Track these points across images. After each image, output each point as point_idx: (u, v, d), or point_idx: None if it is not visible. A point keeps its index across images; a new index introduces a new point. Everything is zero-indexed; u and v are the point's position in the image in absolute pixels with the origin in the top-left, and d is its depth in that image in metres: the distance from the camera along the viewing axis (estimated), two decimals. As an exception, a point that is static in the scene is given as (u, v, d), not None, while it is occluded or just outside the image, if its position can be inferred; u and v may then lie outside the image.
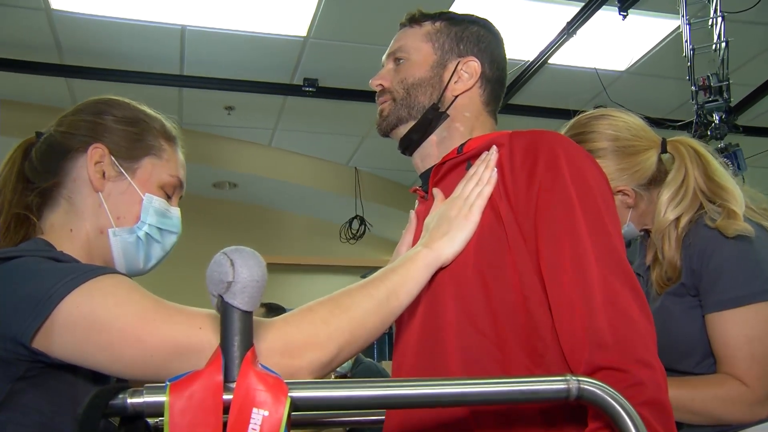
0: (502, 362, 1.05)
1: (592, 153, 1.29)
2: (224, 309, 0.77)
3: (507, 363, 1.04)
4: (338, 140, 5.63)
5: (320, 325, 0.98)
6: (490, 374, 1.04)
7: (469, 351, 1.07)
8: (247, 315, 0.78)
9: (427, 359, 1.12)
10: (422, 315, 1.15)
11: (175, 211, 1.23)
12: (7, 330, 0.95)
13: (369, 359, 4.25)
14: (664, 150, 1.54)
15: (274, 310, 3.48)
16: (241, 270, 0.76)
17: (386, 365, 4.37)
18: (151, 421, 1.10)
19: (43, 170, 1.17)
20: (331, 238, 5.95)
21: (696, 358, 1.42)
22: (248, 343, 0.77)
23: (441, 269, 1.12)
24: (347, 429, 2.13)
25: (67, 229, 1.15)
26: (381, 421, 1.60)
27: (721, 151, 2.80)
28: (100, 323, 0.95)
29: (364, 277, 1.08)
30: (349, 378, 4.04)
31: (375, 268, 1.22)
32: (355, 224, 5.73)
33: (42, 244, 1.12)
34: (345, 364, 3.98)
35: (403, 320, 1.19)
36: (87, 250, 1.16)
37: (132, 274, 1.20)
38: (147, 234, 1.18)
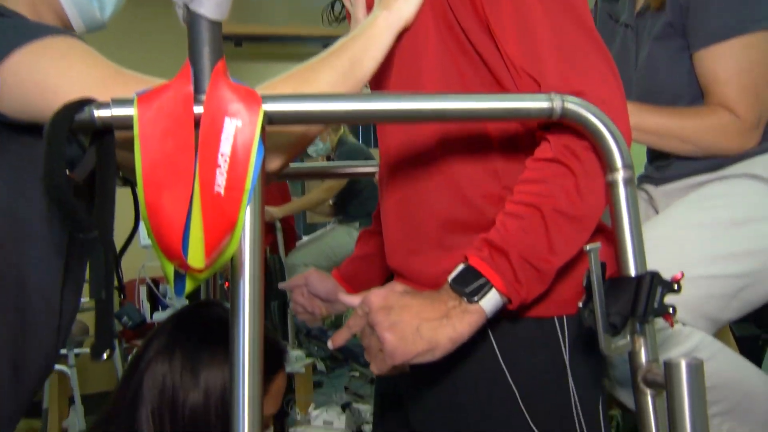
0: None
1: None
2: (191, 19, 0.73)
3: None
4: None
5: None
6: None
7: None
8: (216, 25, 0.73)
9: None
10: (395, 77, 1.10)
11: None
12: None
13: (353, 140, 4.25)
14: None
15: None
16: (208, -27, 0.71)
17: (374, 153, 4.39)
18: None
19: None
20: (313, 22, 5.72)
21: (683, 103, 1.41)
22: (218, 54, 0.73)
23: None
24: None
25: None
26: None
27: None
28: (53, 87, 0.90)
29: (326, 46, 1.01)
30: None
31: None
32: (337, 7, 5.50)
33: None
34: (326, 145, 3.99)
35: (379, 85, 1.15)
36: (32, 3, 1.07)
37: (90, 28, 1.13)
38: None
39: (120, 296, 1.20)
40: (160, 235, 0.67)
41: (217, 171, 0.69)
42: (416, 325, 0.89)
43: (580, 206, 0.91)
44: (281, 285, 1.54)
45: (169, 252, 0.66)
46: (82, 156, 0.72)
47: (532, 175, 0.94)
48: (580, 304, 0.83)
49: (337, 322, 3.90)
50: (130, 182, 1.09)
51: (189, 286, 0.69)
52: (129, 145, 0.70)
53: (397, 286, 0.94)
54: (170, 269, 0.68)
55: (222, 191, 0.68)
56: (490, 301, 0.91)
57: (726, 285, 1.25)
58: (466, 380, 1.02)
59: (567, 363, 1.01)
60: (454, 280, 0.92)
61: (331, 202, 4.22)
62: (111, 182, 0.71)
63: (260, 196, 0.71)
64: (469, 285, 0.90)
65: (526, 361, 1.02)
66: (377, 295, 0.92)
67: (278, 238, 3.94)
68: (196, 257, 0.66)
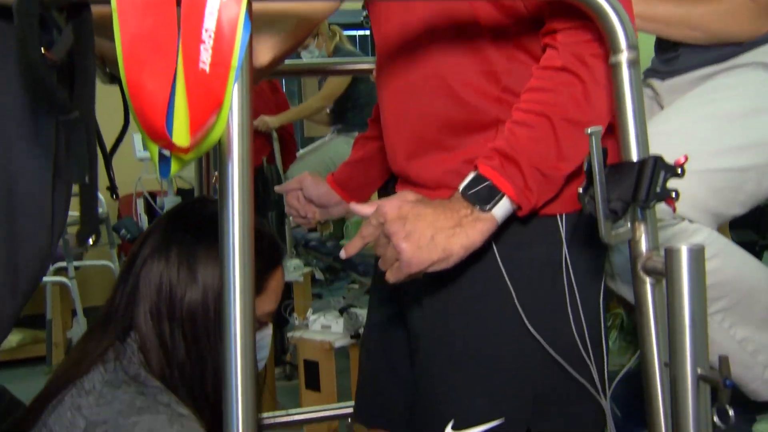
0: None
1: None
2: None
3: None
4: None
5: None
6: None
7: None
8: None
9: None
10: None
11: None
12: None
13: (350, 47, 4.14)
14: None
15: None
16: None
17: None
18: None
19: None
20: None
21: None
22: None
23: None
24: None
25: None
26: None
27: None
28: None
29: None
30: None
31: None
32: None
33: None
34: (321, 53, 3.89)
35: None
36: None
37: None
38: None
39: (112, 196, 1.18)
40: (143, 115, 0.64)
41: (202, 47, 0.65)
42: (431, 234, 0.90)
43: (588, 113, 0.91)
44: (277, 188, 1.53)
45: (153, 131, 0.63)
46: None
47: (540, 84, 0.93)
48: (581, 190, 0.80)
49: (336, 234, 3.90)
50: (118, 79, 1.06)
51: (174, 167, 0.66)
52: (110, 31, 0.66)
53: (408, 195, 0.95)
54: (155, 150, 0.65)
55: (207, 68, 0.65)
56: (502, 208, 0.91)
57: (733, 178, 1.22)
58: (462, 277, 1.02)
59: (566, 255, 1.00)
60: (466, 188, 0.92)
61: (328, 110, 4.16)
62: (90, 61, 0.68)
63: (248, 74, 0.68)
64: (481, 194, 0.91)
65: (523, 258, 1.01)
66: (391, 206, 0.92)
67: (275, 148, 3.89)
68: (180, 135, 0.63)
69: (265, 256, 1.10)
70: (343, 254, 1.00)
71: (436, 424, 1.02)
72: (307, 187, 1.40)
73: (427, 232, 0.90)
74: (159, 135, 0.64)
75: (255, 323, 0.70)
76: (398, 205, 0.92)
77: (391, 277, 0.93)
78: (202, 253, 1.04)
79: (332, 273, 4.18)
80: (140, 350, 1.02)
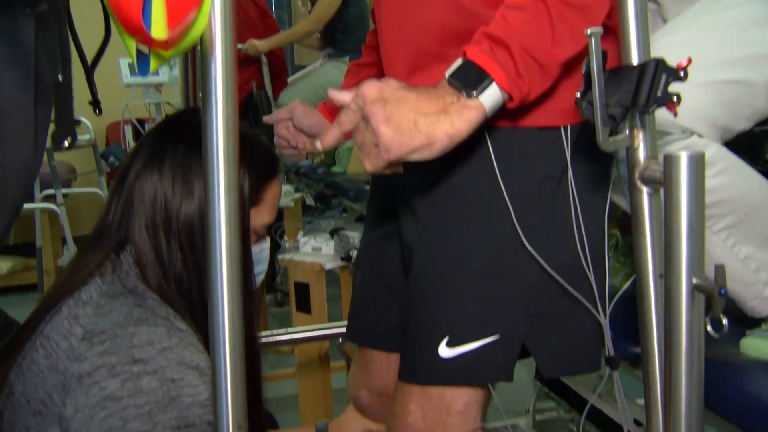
0: None
1: None
2: None
3: None
4: None
5: None
6: None
7: None
8: None
9: None
10: None
11: None
12: None
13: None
14: None
15: None
16: None
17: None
18: None
19: None
20: None
21: None
22: None
23: None
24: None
25: None
26: None
27: None
28: None
29: None
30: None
31: None
32: None
33: None
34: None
35: None
36: None
37: None
38: None
39: (95, 111, 1.14)
40: (119, 6, 0.60)
41: (180, -67, 0.61)
42: (413, 118, 0.84)
43: None
44: (266, 118, 1.47)
45: (128, 24, 0.60)
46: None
47: None
48: (578, 95, 0.77)
49: (327, 160, 3.87)
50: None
51: (153, 64, 0.63)
52: None
53: (391, 81, 0.88)
54: (132, 45, 0.62)
55: (185, -44, 0.61)
56: (491, 96, 0.85)
57: (742, 90, 1.17)
58: (458, 185, 0.99)
59: (570, 165, 0.97)
60: (453, 75, 0.86)
61: (318, 34, 4.07)
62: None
63: (230, -36, 0.64)
64: (468, 78, 0.85)
65: (524, 172, 0.98)
66: (372, 87, 0.85)
67: (264, 73, 3.82)
68: (158, 28, 0.60)
69: (261, 166, 1.07)
70: (318, 145, 0.93)
71: (428, 336, 1.01)
72: (298, 116, 1.35)
73: (409, 116, 0.84)
74: (136, 28, 0.60)
75: (241, 233, 0.68)
76: (380, 87, 0.86)
77: (370, 165, 0.87)
78: (196, 164, 1.01)
79: (323, 201, 4.16)
80: (136, 264, 1.00)
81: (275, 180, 1.11)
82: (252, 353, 1.05)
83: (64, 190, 3.66)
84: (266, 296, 3.43)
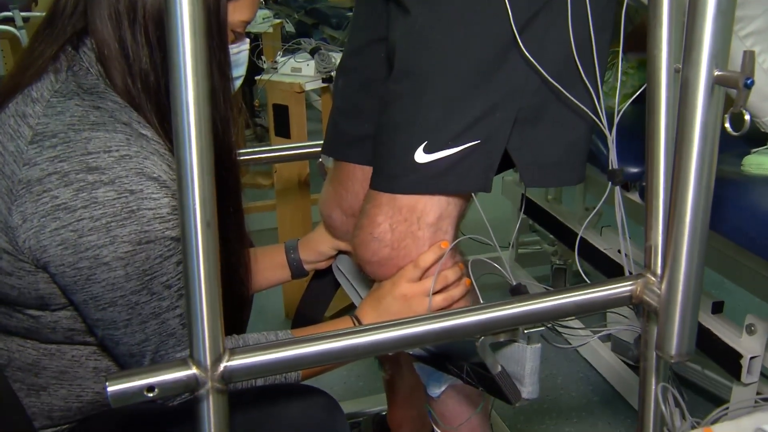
0: None
1: None
2: None
3: None
4: None
5: None
6: None
7: None
8: None
9: None
10: None
11: None
12: None
13: None
14: None
15: None
16: None
17: None
18: None
19: None
20: None
21: None
22: None
23: None
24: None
25: None
26: None
27: None
28: None
29: None
30: None
31: None
32: None
33: None
34: None
35: None
36: None
37: None
38: None
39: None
40: None
41: None
42: None
43: None
44: None
45: None
46: None
47: None
48: None
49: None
50: None
51: None
52: None
53: None
54: None
55: None
56: None
57: None
58: None
59: None
60: None
61: None
62: None
63: None
64: None
65: None
66: None
67: None
68: None
69: None
70: None
71: (405, 138, 0.94)
72: None
73: None
74: None
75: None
76: None
77: None
78: None
79: (303, 29, 3.97)
80: (98, 60, 0.89)
81: None
82: (230, 162, 0.97)
83: (23, 14, 3.44)
84: (245, 131, 3.33)
